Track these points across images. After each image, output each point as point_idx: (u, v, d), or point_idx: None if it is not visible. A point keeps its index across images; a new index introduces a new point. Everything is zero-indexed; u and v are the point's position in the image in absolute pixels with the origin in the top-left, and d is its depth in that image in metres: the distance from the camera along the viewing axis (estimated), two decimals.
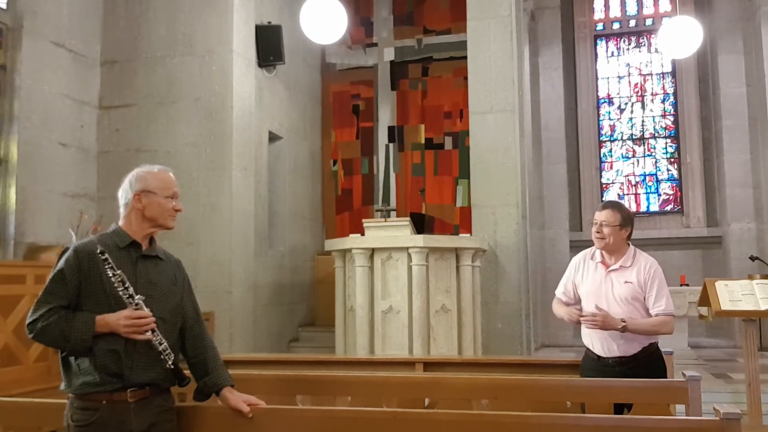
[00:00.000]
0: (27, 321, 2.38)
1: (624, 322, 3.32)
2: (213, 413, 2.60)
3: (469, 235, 6.48)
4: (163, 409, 2.46)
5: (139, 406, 2.37)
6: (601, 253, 3.53)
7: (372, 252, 5.57)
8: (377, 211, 7.38)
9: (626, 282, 3.42)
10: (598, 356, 3.44)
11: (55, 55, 6.24)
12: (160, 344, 2.36)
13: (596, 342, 3.45)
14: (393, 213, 6.89)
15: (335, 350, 5.92)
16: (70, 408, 2.40)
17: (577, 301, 3.62)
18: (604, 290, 3.45)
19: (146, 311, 2.34)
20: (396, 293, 5.50)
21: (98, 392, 2.34)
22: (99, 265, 2.36)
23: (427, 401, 3.51)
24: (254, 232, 6.88)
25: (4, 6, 5.88)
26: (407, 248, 5.49)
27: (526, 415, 2.59)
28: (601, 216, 3.47)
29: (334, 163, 9.19)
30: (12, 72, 5.88)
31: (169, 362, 2.38)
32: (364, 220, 5.98)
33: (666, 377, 3.44)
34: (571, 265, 3.68)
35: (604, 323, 3.31)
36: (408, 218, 6.09)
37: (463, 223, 8.24)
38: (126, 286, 2.34)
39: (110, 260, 2.34)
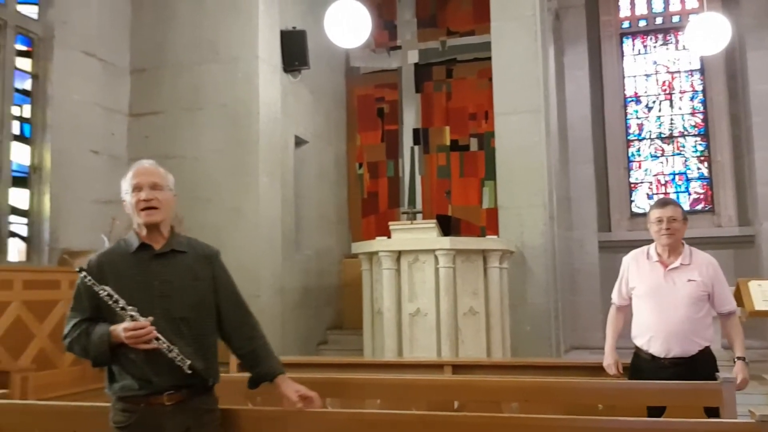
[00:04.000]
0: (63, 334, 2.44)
1: (739, 358, 3.37)
2: (239, 415, 2.61)
3: (495, 236, 6.46)
4: (202, 411, 2.43)
5: (176, 409, 2.36)
6: (658, 252, 3.49)
7: (398, 254, 5.57)
8: (403, 213, 7.38)
9: (689, 280, 3.38)
10: (653, 356, 3.39)
11: (85, 64, 6.36)
12: (170, 351, 2.31)
13: (657, 340, 3.38)
14: (419, 215, 6.89)
15: (363, 353, 5.93)
16: (112, 409, 2.43)
17: (630, 301, 3.60)
18: (665, 290, 3.40)
19: (142, 321, 2.28)
20: (423, 296, 5.50)
21: (135, 396, 2.35)
22: (105, 278, 2.35)
23: (456, 404, 3.50)
24: (281, 236, 6.92)
25: (35, 17, 6.01)
26: (434, 250, 5.49)
27: (557, 418, 2.56)
28: (667, 212, 3.44)
29: (360, 166, 9.22)
30: (44, 81, 6.00)
31: (185, 366, 2.33)
32: (390, 223, 5.99)
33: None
34: (623, 267, 3.64)
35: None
36: (434, 220, 6.09)
37: (490, 224, 8.20)
38: (114, 299, 2.30)
39: (91, 278, 2.33)
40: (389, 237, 5.80)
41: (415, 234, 5.73)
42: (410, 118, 8.98)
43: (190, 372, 2.33)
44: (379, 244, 5.70)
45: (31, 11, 6.00)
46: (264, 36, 6.78)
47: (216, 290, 2.52)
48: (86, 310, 2.40)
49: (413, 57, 9.00)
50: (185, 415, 2.38)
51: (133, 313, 2.29)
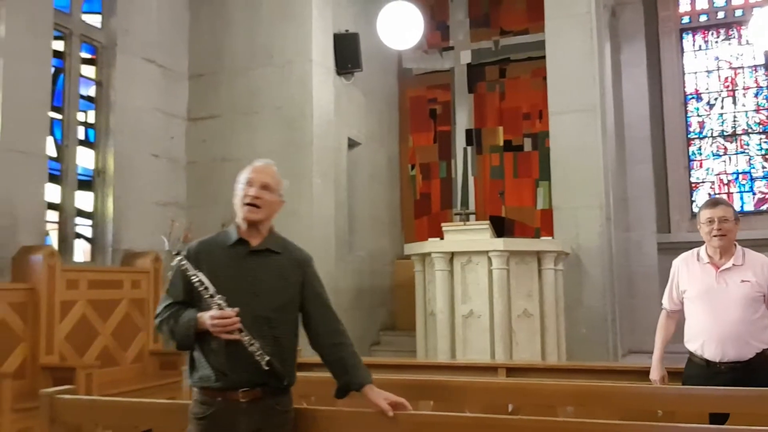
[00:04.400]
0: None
1: None
2: (315, 415, 2.63)
3: (550, 238, 6.36)
4: (276, 412, 2.44)
5: (250, 407, 2.37)
6: (709, 254, 3.40)
7: (451, 256, 5.55)
8: (456, 214, 7.35)
9: (743, 281, 3.27)
10: (707, 361, 3.29)
11: (145, 71, 6.56)
12: (250, 344, 2.33)
13: (710, 345, 3.28)
14: (472, 216, 6.85)
15: (416, 354, 5.93)
16: (192, 400, 2.48)
17: (682, 306, 3.51)
18: (718, 292, 3.30)
19: (229, 311, 2.32)
20: (476, 297, 5.46)
21: (212, 388, 2.39)
22: (200, 266, 2.40)
23: (510, 407, 3.46)
24: (334, 238, 6.98)
25: (98, 26, 6.23)
26: (487, 252, 5.44)
27: (615, 423, 2.51)
28: (718, 212, 3.34)
29: (412, 167, 9.22)
30: (107, 88, 6.21)
31: (263, 362, 2.33)
32: (443, 224, 5.97)
33: None
34: (673, 270, 3.55)
35: None
36: (487, 222, 6.05)
37: (545, 225, 8.09)
38: (205, 286, 2.35)
39: (186, 263, 2.39)
40: (442, 238, 5.79)
41: (468, 235, 5.70)
42: (463, 119, 8.93)
43: (267, 368, 2.34)
44: (431, 245, 5.69)
45: (94, 20, 6.22)
46: (317, 39, 6.85)
47: (305, 296, 2.54)
48: (179, 294, 2.46)
49: (466, 57, 8.93)
50: (259, 414, 2.39)
51: (220, 302, 2.33)
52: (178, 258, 2.41)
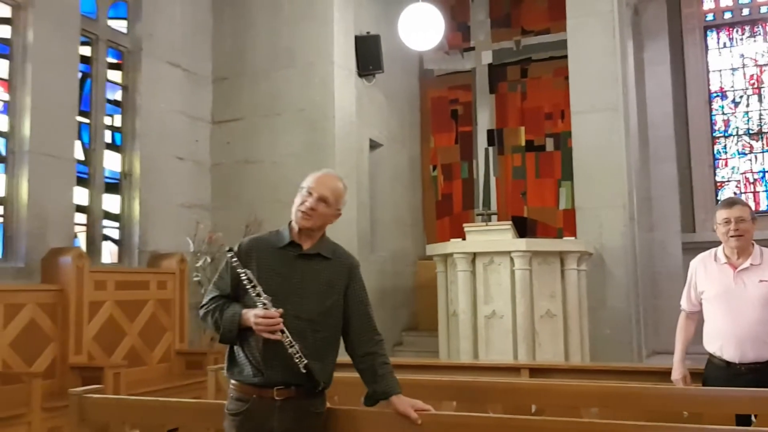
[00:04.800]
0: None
1: None
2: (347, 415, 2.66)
3: (573, 238, 6.33)
4: (309, 413, 2.46)
5: (285, 406, 2.39)
6: (726, 254, 3.37)
7: (473, 256, 5.55)
8: (478, 215, 7.34)
9: (761, 281, 3.25)
10: (728, 363, 3.26)
11: (170, 75, 6.65)
12: (291, 346, 2.33)
13: (729, 346, 3.26)
14: (494, 217, 6.84)
15: (439, 355, 5.94)
16: (228, 396, 2.51)
17: (700, 307, 3.48)
18: (735, 292, 3.28)
19: (273, 311, 2.33)
20: (499, 298, 5.46)
21: (248, 384, 2.42)
22: (249, 263, 2.44)
23: (533, 408, 3.46)
24: (356, 239, 7.00)
25: (124, 31, 6.33)
26: (509, 252, 5.44)
27: (640, 424, 2.50)
28: (734, 212, 3.31)
29: (434, 168, 9.22)
30: (133, 92, 6.31)
31: (301, 365, 2.34)
32: (465, 225, 5.98)
33: None
34: (691, 271, 3.53)
35: None
36: (509, 222, 6.03)
37: (567, 226, 8.03)
38: (253, 284, 2.37)
39: (236, 260, 2.42)
40: (464, 239, 5.79)
41: (490, 236, 5.70)
42: (484, 119, 8.91)
43: (304, 371, 2.35)
44: (453, 245, 5.69)
45: (120, 26, 6.32)
46: (339, 41, 6.89)
47: (347, 301, 2.55)
48: (226, 288, 2.51)
49: (487, 57, 8.91)
50: (293, 413, 2.41)
51: (265, 302, 2.35)
52: (229, 255, 2.46)
